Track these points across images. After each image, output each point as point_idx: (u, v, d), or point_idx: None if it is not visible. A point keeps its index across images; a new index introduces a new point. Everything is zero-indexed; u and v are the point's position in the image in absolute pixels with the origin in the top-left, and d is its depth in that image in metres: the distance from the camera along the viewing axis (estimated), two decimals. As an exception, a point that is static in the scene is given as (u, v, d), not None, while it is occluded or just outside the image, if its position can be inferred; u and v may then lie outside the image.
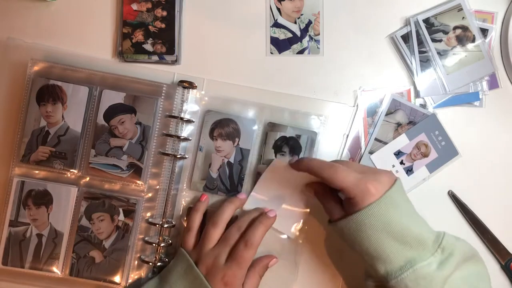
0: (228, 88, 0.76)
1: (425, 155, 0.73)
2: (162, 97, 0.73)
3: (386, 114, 0.74)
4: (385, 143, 0.74)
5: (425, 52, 0.75)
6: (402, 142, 0.74)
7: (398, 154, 0.74)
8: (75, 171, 0.73)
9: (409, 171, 0.74)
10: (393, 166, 0.74)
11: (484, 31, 0.75)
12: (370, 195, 0.60)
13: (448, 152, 0.74)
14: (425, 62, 0.75)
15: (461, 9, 0.75)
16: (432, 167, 0.74)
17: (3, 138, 0.75)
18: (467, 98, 0.76)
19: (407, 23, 0.76)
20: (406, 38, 0.76)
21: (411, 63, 0.75)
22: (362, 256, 0.63)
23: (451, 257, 0.60)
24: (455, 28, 0.75)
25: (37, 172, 0.74)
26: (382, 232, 0.59)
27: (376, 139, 0.74)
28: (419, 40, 0.75)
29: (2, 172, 0.74)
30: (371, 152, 0.74)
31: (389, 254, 0.60)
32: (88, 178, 0.74)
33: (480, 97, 0.76)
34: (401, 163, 0.74)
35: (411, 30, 0.75)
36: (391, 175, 0.63)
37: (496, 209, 0.76)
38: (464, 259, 0.61)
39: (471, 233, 0.76)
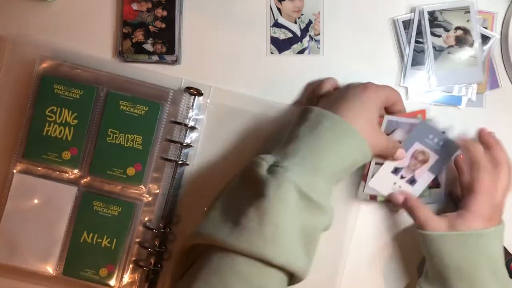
0: (234, 97, 0.75)
1: (425, 161, 0.71)
2: (168, 102, 0.73)
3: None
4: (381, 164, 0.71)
5: (421, 43, 0.75)
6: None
7: (395, 171, 0.71)
8: (76, 170, 0.73)
9: (412, 181, 0.71)
10: (395, 183, 0.71)
11: (485, 38, 0.75)
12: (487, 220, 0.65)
13: (449, 149, 0.70)
14: (418, 52, 0.75)
15: (468, 11, 0.75)
16: (436, 169, 0.71)
17: (8, 132, 0.75)
18: (451, 100, 0.76)
19: (411, 11, 0.76)
20: (407, 25, 0.76)
21: (404, 49, 0.76)
22: (443, 273, 0.64)
23: None
24: (457, 28, 0.75)
25: (39, 168, 0.74)
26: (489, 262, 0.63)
27: (376, 163, 0.71)
28: (419, 29, 0.75)
29: (3, 167, 0.74)
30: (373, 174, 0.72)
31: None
32: (88, 178, 0.74)
33: (462, 102, 0.76)
34: (401, 177, 0.71)
35: (413, 18, 0.75)
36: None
37: (496, 209, 0.75)
38: None
39: (471, 233, 0.76)
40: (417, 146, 0.70)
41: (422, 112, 0.72)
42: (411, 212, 0.68)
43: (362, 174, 0.72)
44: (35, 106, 0.73)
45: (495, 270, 0.63)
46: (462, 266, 0.63)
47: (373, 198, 0.73)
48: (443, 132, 0.71)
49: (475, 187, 0.65)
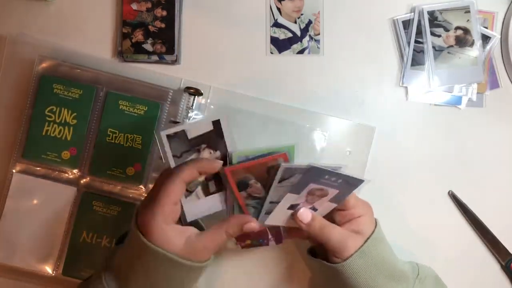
0: (234, 97, 0.75)
1: (324, 196, 0.60)
2: (168, 102, 0.73)
3: (279, 181, 0.57)
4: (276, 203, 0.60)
5: (421, 43, 0.75)
6: (290, 199, 0.59)
7: (291, 207, 0.61)
8: (76, 170, 0.73)
9: (314, 210, 0.62)
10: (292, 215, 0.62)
11: (486, 38, 0.75)
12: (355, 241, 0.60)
13: (349, 183, 0.59)
14: (418, 52, 0.75)
15: (468, 11, 0.75)
16: (338, 200, 0.61)
17: (7, 132, 0.75)
18: (451, 100, 0.76)
19: (412, 10, 0.76)
20: (406, 25, 0.76)
21: (404, 49, 0.76)
22: None
23: (427, 286, 0.64)
24: (457, 28, 0.75)
25: (38, 168, 0.74)
26: (376, 272, 0.60)
27: (271, 202, 0.60)
28: (418, 29, 0.75)
29: (2, 167, 0.74)
30: (267, 212, 0.61)
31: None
32: (88, 179, 0.74)
33: (462, 102, 0.76)
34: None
35: (413, 18, 0.75)
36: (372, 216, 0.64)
37: (496, 209, 0.76)
38: (435, 283, 0.67)
39: (471, 233, 0.76)
40: (312, 186, 0.59)
41: (283, 156, 0.59)
42: (319, 233, 0.61)
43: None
44: (34, 106, 0.73)
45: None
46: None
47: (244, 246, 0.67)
48: (338, 170, 0.58)
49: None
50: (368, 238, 0.61)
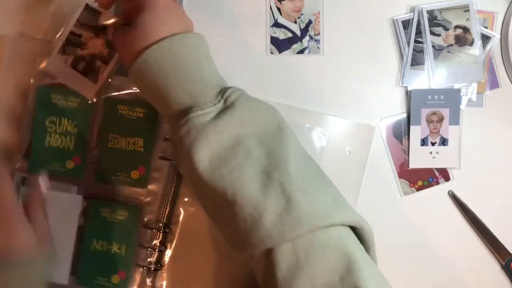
0: None
1: None
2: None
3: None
4: None
5: (421, 42, 0.75)
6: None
7: None
8: (81, 178, 0.73)
9: None
10: None
11: (486, 38, 0.75)
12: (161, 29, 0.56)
13: None
14: (418, 52, 0.75)
15: (468, 10, 0.74)
16: None
17: (8, 132, 0.75)
18: None
19: (411, 10, 0.76)
20: (406, 25, 0.76)
21: (404, 49, 0.76)
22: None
23: (234, 110, 0.56)
24: (456, 27, 0.75)
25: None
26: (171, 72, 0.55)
27: None
28: (418, 29, 0.75)
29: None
30: None
31: (169, 98, 0.55)
32: (94, 186, 0.73)
33: (462, 102, 0.76)
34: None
35: (413, 18, 0.75)
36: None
37: (496, 209, 0.76)
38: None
39: (471, 233, 0.76)
40: None
41: None
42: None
43: None
44: (34, 119, 0.72)
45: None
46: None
47: None
48: None
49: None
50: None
